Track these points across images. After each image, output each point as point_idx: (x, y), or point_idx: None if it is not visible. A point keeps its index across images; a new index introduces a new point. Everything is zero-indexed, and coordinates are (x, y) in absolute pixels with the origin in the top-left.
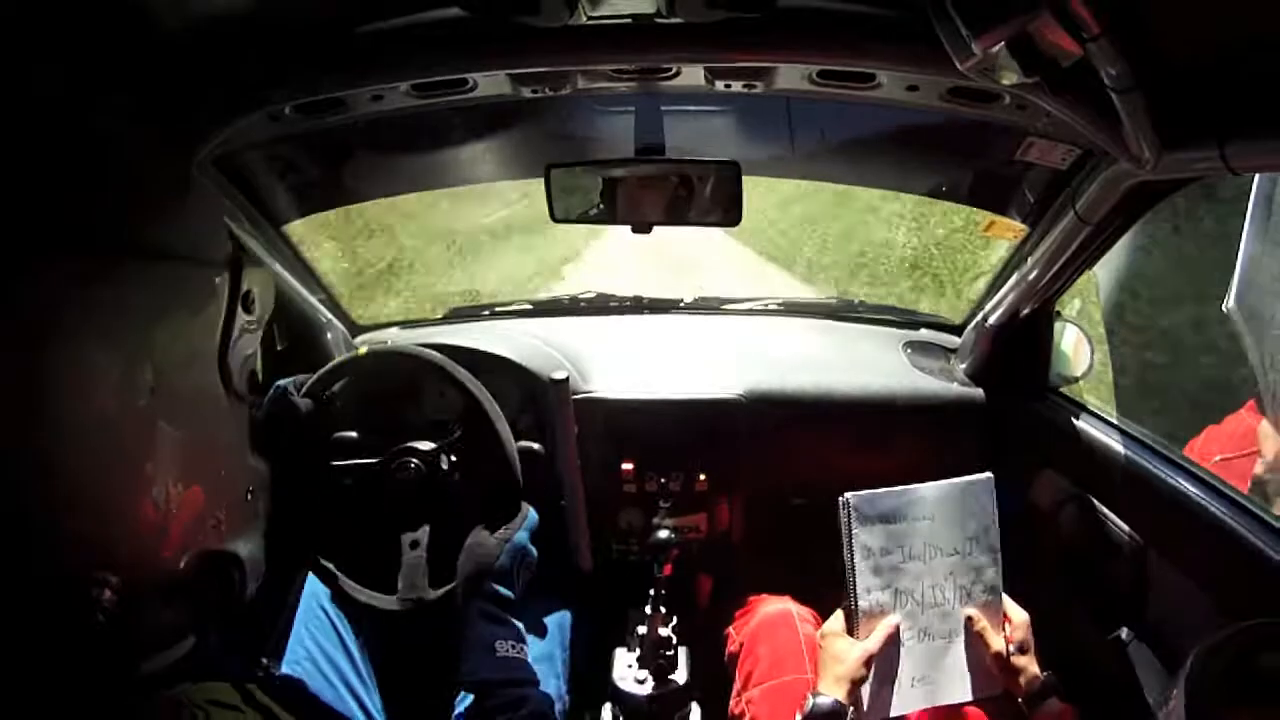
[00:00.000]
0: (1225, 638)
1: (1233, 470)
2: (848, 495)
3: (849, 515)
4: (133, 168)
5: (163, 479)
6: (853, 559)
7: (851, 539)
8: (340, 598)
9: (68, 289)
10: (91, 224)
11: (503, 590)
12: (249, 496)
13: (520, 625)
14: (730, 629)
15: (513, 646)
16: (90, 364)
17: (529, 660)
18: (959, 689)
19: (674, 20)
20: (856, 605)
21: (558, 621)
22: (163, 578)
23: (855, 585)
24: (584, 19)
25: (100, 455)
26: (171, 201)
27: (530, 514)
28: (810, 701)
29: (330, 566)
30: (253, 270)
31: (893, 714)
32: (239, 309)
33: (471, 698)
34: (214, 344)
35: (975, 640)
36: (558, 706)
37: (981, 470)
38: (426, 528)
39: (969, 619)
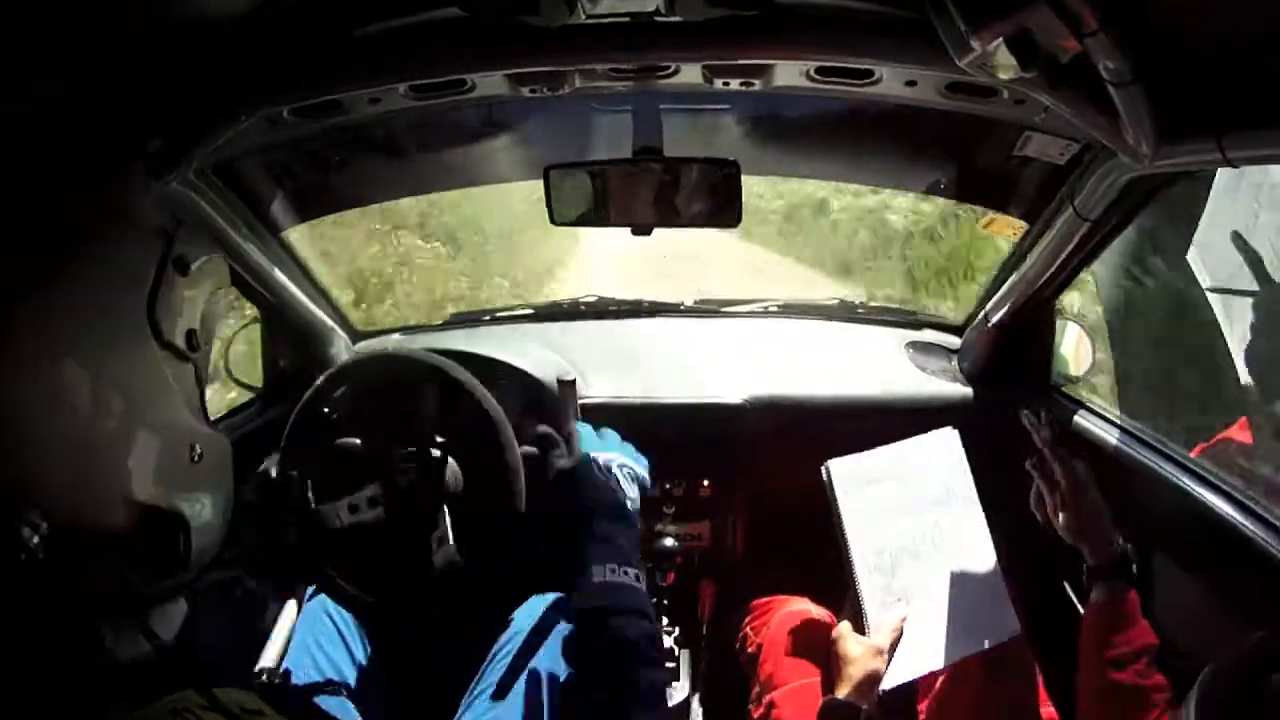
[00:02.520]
0: (1235, 656)
1: None
2: (829, 463)
3: (832, 482)
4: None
5: (86, 419)
6: (843, 524)
7: (839, 505)
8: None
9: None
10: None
11: (600, 502)
12: (195, 458)
13: (625, 543)
14: (748, 629)
15: (611, 570)
16: (11, 307)
17: (633, 582)
18: (975, 639)
19: (672, 19)
20: (854, 574)
21: (563, 624)
22: (93, 526)
23: (850, 551)
24: (583, 18)
25: (17, 399)
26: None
27: (586, 429)
28: (822, 705)
29: (351, 589)
30: (197, 244)
31: (909, 678)
32: (170, 268)
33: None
34: (141, 298)
35: (978, 586)
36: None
37: (983, 467)
38: (447, 523)
39: (966, 567)
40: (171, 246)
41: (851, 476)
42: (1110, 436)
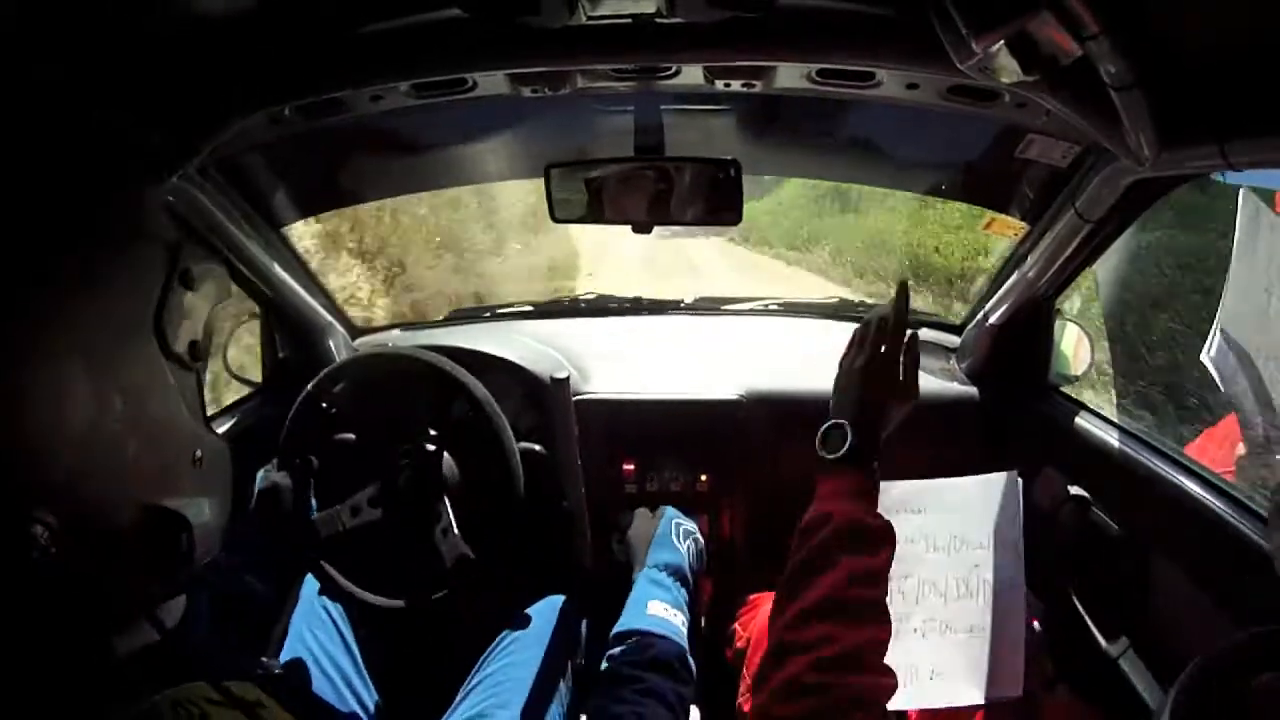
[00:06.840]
0: (1218, 654)
1: None
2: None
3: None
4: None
5: (92, 423)
6: None
7: None
8: (343, 597)
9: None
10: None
11: (666, 556)
12: (197, 463)
13: (684, 592)
14: (736, 625)
15: (665, 609)
16: (24, 314)
17: (679, 626)
18: (978, 689)
19: (674, 20)
20: None
21: (558, 622)
22: (100, 526)
23: None
24: (584, 19)
25: (31, 400)
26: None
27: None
28: None
29: (367, 596)
30: (198, 255)
31: (908, 707)
32: (176, 283)
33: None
34: (149, 309)
35: (999, 637)
36: (555, 709)
37: (979, 466)
38: (449, 513)
39: (992, 616)
40: (178, 259)
41: (897, 501)
42: (1109, 436)
